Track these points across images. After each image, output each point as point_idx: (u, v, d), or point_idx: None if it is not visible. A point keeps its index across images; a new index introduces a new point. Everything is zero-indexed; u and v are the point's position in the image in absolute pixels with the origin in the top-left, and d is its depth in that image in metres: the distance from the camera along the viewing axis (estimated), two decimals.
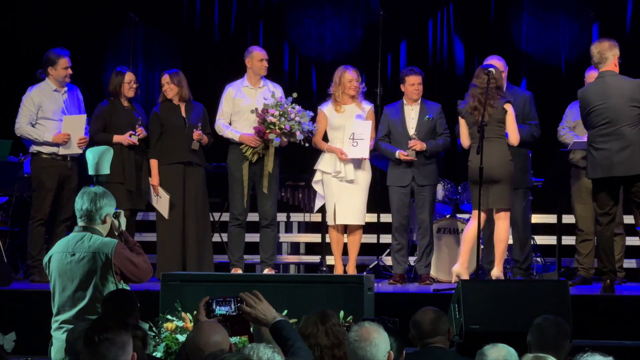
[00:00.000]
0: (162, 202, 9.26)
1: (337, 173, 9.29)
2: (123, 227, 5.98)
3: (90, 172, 8.33)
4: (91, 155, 8.29)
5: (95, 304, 5.72)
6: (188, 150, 9.30)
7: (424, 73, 9.44)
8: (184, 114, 9.38)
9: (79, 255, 5.79)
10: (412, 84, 9.34)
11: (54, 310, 5.90)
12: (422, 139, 9.28)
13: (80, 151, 9.05)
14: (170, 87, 9.38)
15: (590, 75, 8.86)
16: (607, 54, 8.08)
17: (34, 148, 9.22)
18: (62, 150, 9.15)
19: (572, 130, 9.25)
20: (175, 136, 9.32)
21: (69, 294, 5.82)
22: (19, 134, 9.25)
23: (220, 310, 4.60)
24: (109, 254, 5.76)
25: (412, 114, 9.39)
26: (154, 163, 9.34)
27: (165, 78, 9.42)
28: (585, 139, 8.49)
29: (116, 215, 5.95)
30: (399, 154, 9.25)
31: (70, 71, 9.24)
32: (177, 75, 9.43)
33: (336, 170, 9.29)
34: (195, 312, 4.87)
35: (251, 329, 4.78)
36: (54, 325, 5.87)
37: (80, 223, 5.88)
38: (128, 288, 5.85)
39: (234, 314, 4.59)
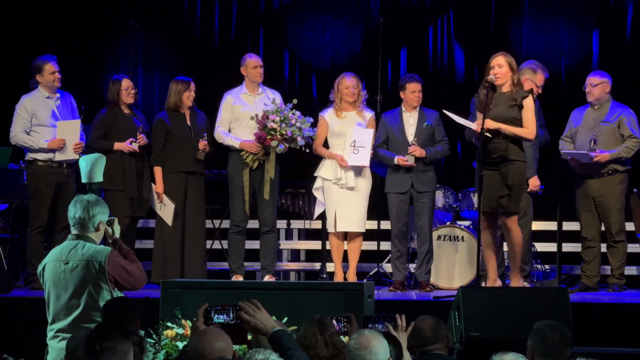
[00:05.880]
0: (166, 210, 9.24)
1: (338, 180, 9.29)
2: (117, 235, 5.97)
3: (84, 179, 8.33)
4: (84, 163, 8.29)
5: (89, 312, 5.73)
6: (193, 160, 9.29)
7: (423, 80, 9.45)
8: (189, 122, 9.36)
9: (73, 263, 5.79)
10: (413, 91, 9.35)
11: (49, 319, 5.89)
12: (421, 145, 9.27)
13: (77, 157, 9.01)
14: (193, 95, 9.33)
15: (592, 81, 9.18)
16: None
17: (29, 156, 9.20)
18: (58, 157, 9.13)
19: (573, 136, 9.31)
20: (181, 145, 9.29)
21: (63, 303, 5.81)
22: (14, 142, 9.23)
23: (219, 319, 4.60)
24: (103, 261, 5.75)
25: (410, 120, 9.38)
26: (158, 170, 9.31)
27: (192, 85, 9.34)
28: (573, 151, 9.05)
29: (110, 223, 5.93)
30: (398, 159, 9.25)
31: (58, 75, 9.18)
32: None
33: (337, 177, 9.28)
34: (195, 319, 4.86)
35: (249, 338, 4.78)
36: (50, 334, 5.87)
37: (74, 231, 5.87)
38: (122, 296, 5.84)
39: (232, 322, 4.58)
